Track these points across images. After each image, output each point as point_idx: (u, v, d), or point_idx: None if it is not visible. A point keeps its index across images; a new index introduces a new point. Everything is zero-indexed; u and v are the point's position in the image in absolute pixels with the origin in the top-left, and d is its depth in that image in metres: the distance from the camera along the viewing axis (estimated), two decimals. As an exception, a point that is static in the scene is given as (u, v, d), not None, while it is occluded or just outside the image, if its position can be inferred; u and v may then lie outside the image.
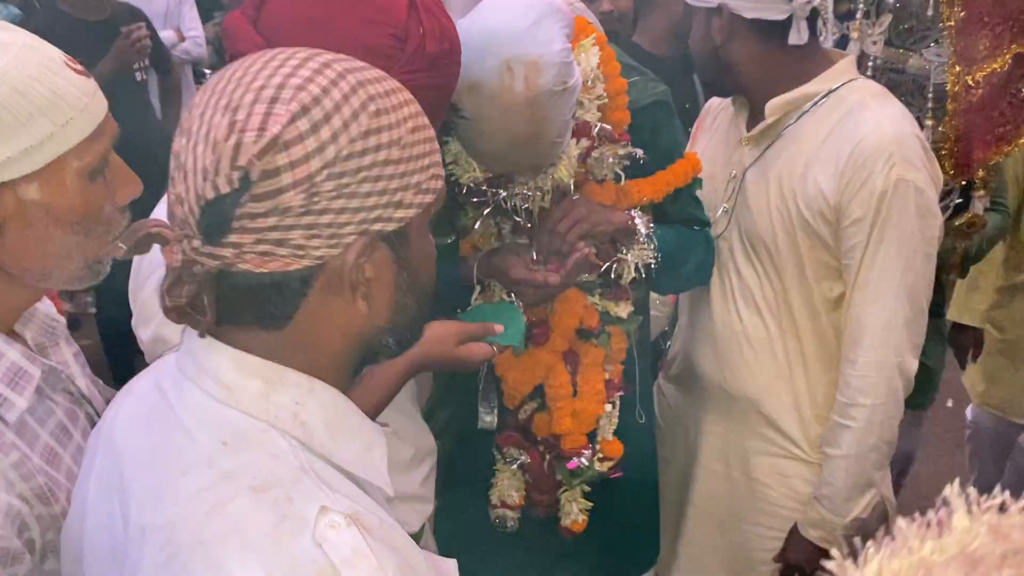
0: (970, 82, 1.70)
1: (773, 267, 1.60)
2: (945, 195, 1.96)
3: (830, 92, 1.55)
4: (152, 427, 0.77)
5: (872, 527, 1.65)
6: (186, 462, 0.72)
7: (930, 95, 1.77)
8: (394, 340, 0.79)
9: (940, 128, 1.78)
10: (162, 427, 0.75)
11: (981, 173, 1.80)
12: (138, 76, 3.14)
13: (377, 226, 0.72)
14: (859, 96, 1.54)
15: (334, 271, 0.72)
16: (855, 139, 1.48)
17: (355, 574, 0.66)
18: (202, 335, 0.75)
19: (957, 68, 1.71)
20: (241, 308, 0.73)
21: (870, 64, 1.89)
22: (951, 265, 1.97)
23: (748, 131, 1.64)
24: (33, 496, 0.87)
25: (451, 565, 0.91)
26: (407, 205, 0.74)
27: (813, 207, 1.52)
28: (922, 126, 1.83)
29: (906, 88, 1.76)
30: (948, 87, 1.72)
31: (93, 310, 3.50)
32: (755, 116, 1.64)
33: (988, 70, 1.69)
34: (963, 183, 1.84)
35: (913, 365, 1.51)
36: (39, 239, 0.88)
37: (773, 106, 1.57)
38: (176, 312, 0.73)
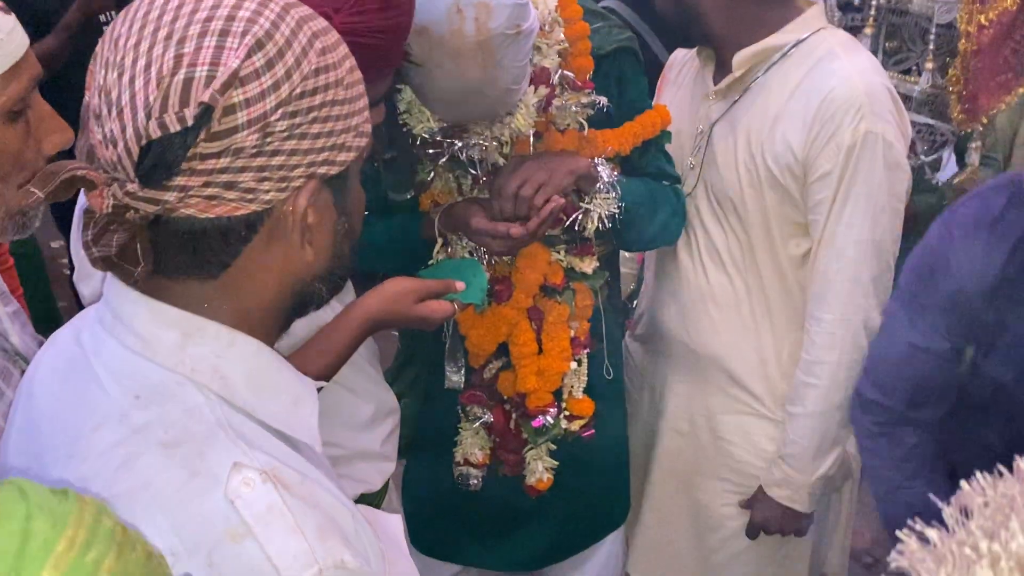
0: (983, 21, 1.65)
1: (740, 224, 1.57)
2: (940, 147, 1.92)
3: (799, 43, 1.50)
4: (68, 380, 0.74)
5: (837, 484, 1.65)
6: (99, 416, 0.69)
7: (932, 38, 1.71)
8: (327, 288, 0.77)
9: (950, 70, 1.71)
10: (78, 380, 0.73)
11: (984, 121, 1.76)
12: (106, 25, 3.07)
13: (323, 169, 0.70)
14: (827, 46, 1.49)
15: (280, 216, 0.69)
16: (823, 91, 1.44)
17: (269, 532, 0.64)
18: (133, 285, 0.71)
19: (970, 6, 1.66)
20: (177, 256, 0.69)
21: (872, 4, 1.84)
22: None
23: (715, 84, 1.60)
24: None
25: (396, 520, 0.89)
26: (348, 148, 0.71)
27: (781, 162, 1.49)
28: (921, 71, 1.78)
29: (907, 32, 1.71)
30: (960, 25, 1.65)
31: (68, 271, 3.46)
32: (722, 69, 1.59)
33: (1000, 8, 1.64)
34: (961, 134, 1.80)
35: (878, 322, 1.48)
36: None
37: (741, 58, 1.52)
38: (105, 263, 0.69)
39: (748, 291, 1.60)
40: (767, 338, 1.61)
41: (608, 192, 1.42)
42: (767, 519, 1.61)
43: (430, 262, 1.47)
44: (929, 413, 1.34)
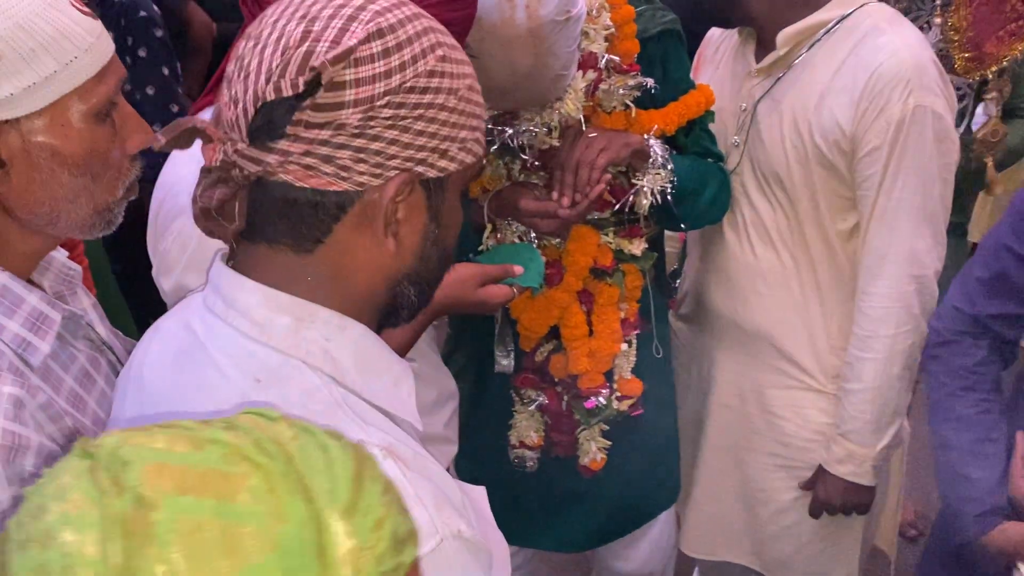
0: None
1: (787, 200, 1.59)
2: (958, 100, 1.92)
3: (843, 19, 1.52)
4: (182, 366, 0.77)
5: (891, 453, 1.66)
6: (219, 398, 0.72)
7: None
8: (415, 291, 0.79)
9: (949, 21, 1.74)
10: (193, 366, 0.76)
11: (994, 68, 1.77)
12: None
13: (420, 168, 0.72)
14: (872, 21, 1.50)
15: (370, 203, 0.71)
16: (871, 67, 1.45)
17: None
18: (237, 248, 0.74)
19: None
20: (273, 222, 0.72)
21: None
22: (987, 181, 1.92)
23: (757, 62, 1.61)
24: (62, 437, 0.89)
25: (480, 492, 0.91)
26: (451, 158, 0.74)
27: (829, 138, 1.50)
28: (929, 27, 1.79)
29: None
30: None
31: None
32: (763, 46, 1.61)
33: None
34: (976, 82, 1.80)
35: (934, 290, 1.50)
36: (45, 181, 0.87)
37: (785, 36, 1.54)
38: (204, 216, 0.73)
39: (796, 266, 1.61)
40: (816, 312, 1.62)
41: (661, 168, 1.44)
42: (830, 496, 1.61)
43: (480, 248, 1.50)
44: (1003, 325, 1.36)
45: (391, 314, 0.80)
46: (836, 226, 1.57)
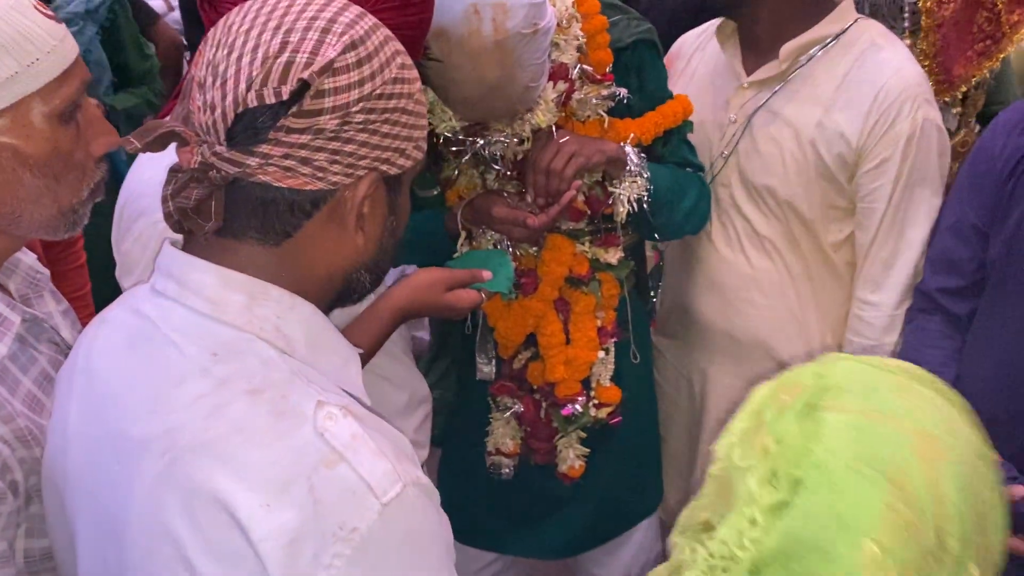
0: None
1: (780, 210, 1.60)
2: None
3: (839, 34, 1.55)
4: (137, 347, 0.80)
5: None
6: (179, 374, 0.76)
7: (907, 14, 1.77)
8: (370, 278, 0.85)
9: (918, 45, 1.79)
10: (148, 346, 0.79)
11: (963, 89, 1.81)
12: None
13: (384, 167, 0.78)
14: (868, 37, 1.55)
15: (341, 200, 0.77)
16: (878, 82, 1.50)
17: (358, 456, 0.71)
18: (201, 240, 0.78)
19: None
20: (247, 219, 0.77)
21: None
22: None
23: (748, 74, 1.62)
24: (14, 438, 0.91)
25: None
26: (408, 155, 0.80)
27: (832, 151, 1.53)
28: None
29: (888, 9, 1.76)
30: (919, 2, 1.75)
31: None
32: (751, 58, 1.62)
33: None
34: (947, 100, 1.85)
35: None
36: (7, 181, 0.90)
37: (788, 50, 1.56)
38: (180, 214, 0.76)
39: (792, 275, 1.63)
40: (812, 319, 1.64)
41: (637, 175, 1.44)
42: None
43: (455, 255, 1.51)
44: (954, 300, 1.41)
45: (342, 298, 0.85)
46: (830, 236, 1.59)
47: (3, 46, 0.86)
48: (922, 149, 1.49)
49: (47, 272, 1.08)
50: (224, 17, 0.79)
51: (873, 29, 1.57)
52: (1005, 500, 0.69)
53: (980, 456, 0.68)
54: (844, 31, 1.55)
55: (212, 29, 0.79)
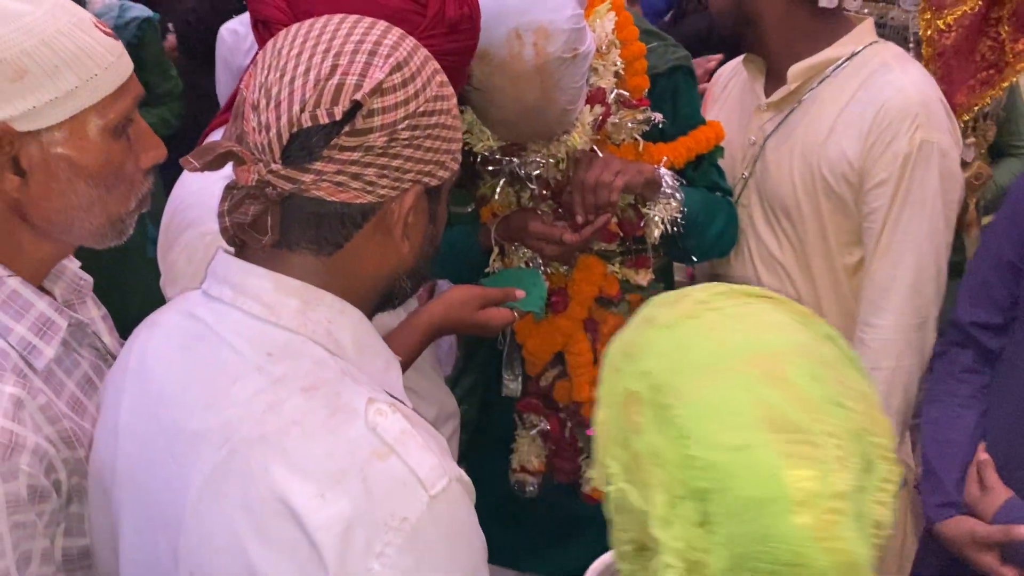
0: (941, 26, 1.74)
1: (795, 233, 1.60)
2: None
3: (852, 56, 1.54)
4: (191, 348, 0.84)
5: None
6: (235, 372, 0.80)
7: (911, 45, 1.77)
8: (411, 283, 0.89)
9: None
10: (203, 347, 0.83)
11: (966, 117, 1.80)
12: None
13: (427, 179, 0.83)
14: (881, 59, 1.53)
15: (388, 211, 0.82)
16: (879, 102, 1.48)
17: (407, 450, 0.75)
18: (256, 251, 0.82)
19: (927, 14, 1.76)
20: (301, 232, 0.81)
21: None
22: (967, 222, 1.93)
23: (767, 96, 1.63)
24: (59, 439, 0.93)
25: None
26: (446, 168, 0.85)
27: (836, 171, 1.52)
28: None
29: (893, 39, 1.76)
30: (920, 32, 1.75)
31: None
32: (772, 81, 1.63)
33: (958, 13, 1.73)
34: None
35: (934, 325, 1.50)
36: (62, 191, 0.93)
37: (796, 71, 1.56)
38: (236, 229, 0.80)
39: (800, 298, 1.62)
40: None
41: (671, 198, 1.45)
42: None
43: (487, 271, 1.53)
44: (988, 335, 1.40)
45: (384, 303, 0.90)
46: (843, 259, 1.58)
47: (65, 62, 0.89)
48: (920, 170, 1.46)
49: (90, 279, 1.10)
50: (272, 41, 0.83)
51: (887, 51, 1.56)
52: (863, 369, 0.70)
53: (826, 338, 0.69)
54: (857, 53, 1.54)
55: (260, 53, 0.83)
